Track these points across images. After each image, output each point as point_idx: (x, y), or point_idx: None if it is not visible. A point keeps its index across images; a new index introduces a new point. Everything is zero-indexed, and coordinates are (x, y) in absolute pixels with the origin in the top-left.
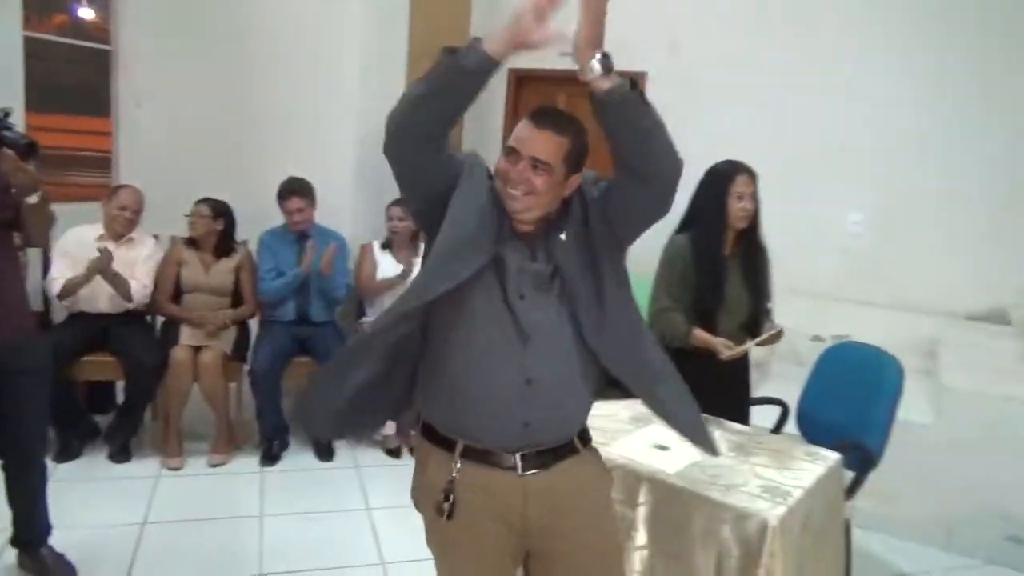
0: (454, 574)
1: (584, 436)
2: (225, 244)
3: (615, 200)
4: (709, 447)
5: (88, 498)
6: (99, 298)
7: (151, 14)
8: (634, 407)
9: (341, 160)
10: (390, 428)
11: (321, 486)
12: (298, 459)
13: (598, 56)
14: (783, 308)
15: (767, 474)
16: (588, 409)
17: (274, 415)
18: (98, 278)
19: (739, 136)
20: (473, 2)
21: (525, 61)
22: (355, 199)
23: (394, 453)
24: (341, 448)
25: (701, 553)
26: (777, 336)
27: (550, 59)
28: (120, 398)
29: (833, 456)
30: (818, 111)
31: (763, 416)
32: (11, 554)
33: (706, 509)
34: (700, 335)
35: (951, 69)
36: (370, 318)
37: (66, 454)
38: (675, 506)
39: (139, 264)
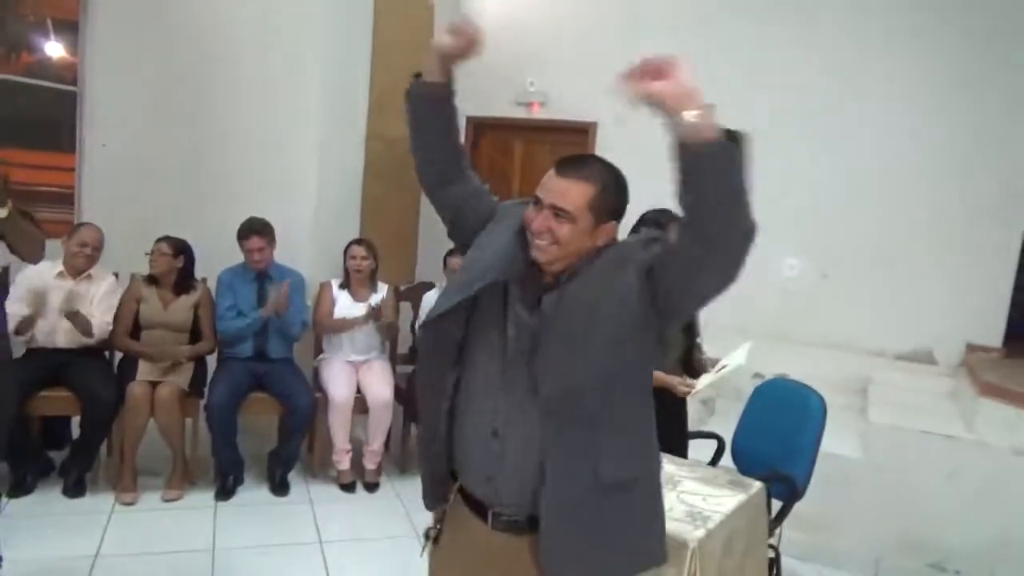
0: None
1: None
2: (184, 281)
3: (673, 266)
4: None
5: (41, 532)
6: (57, 334)
7: (118, 55)
8: None
9: (301, 200)
10: (345, 463)
11: (275, 520)
12: (253, 494)
13: (695, 112)
14: (729, 348)
15: (692, 500)
16: None
17: (230, 450)
18: (56, 313)
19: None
20: None
21: (481, 109)
22: (314, 238)
23: (348, 488)
24: (296, 483)
25: None
26: (721, 368)
27: (506, 108)
28: (75, 433)
29: (756, 484)
30: (759, 166)
31: (704, 450)
32: None
33: None
34: (658, 375)
35: (875, 127)
36: (326, 355)
37: (19, 489)
38: None
39: (98, 300)
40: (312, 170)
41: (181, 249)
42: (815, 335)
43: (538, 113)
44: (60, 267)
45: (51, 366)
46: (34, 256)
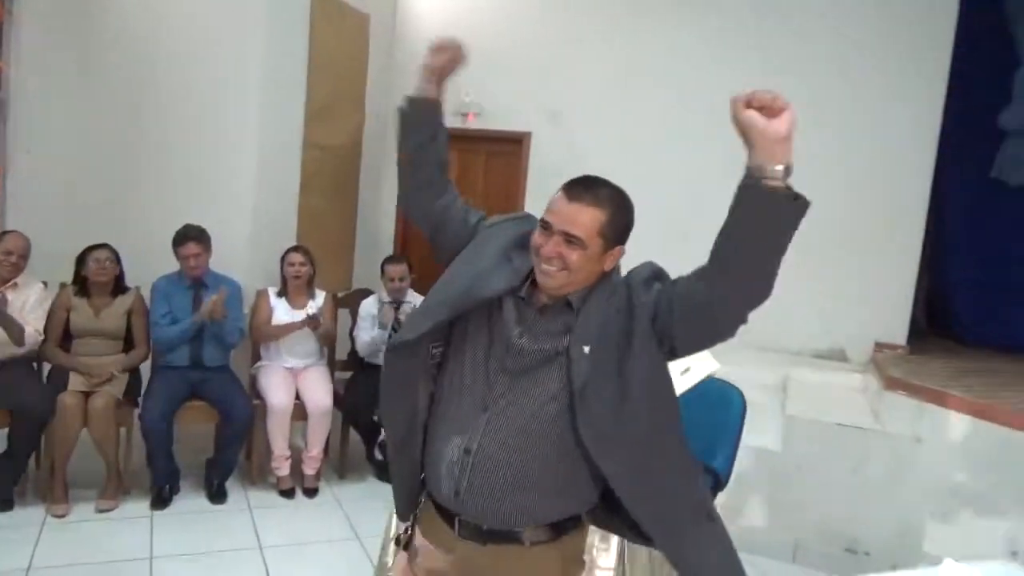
0: None
1: (542, 532)
2: (119, 287)
3: (683, 307)
4: None
5: None
6: None
7: (45, 61)
8: None
9: (237, 206)
10: (284, 469)
11: (213, 527)
12: (190, 502)
13: (783, 167)
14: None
15: None
16: (557, 513)
17: (166, 460)
18: None
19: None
20: (369, 56)
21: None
22: (250, 246)
23: (288, 494)
24: (234, 490)
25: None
26: None
27: (470, 121)
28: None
29: None
30: (691, 165)
31: None
32: None
33: None
34: None
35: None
36: (264, 362)
37: None
38: None
39: (27, 309)
40: (249, 178)
41: (117, 257)
42: (738, 337)
43: (473, 123)
44: None
45: None
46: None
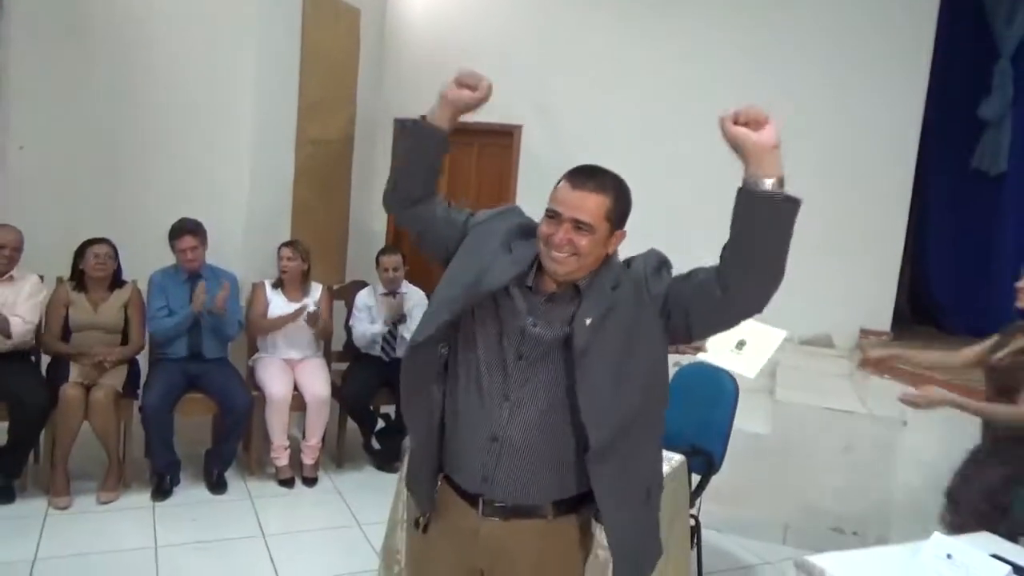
0: None
1: (562, 506)
2: (117, 280)
3: (697, 304)
4: None
5: None
6: None
7: (38, 56)
8: None
9: (232, 200)
10: (283, 459)
11: (215, 517)
12: (190, 493)
13: (777, 182)
14: None
15: None
16: (573, 486)
17: (166, 451)
18: None
19: None
20: (360, 57)
21: (409, 112)
22: (245, 239)
23: (287, 483)
24: (233, 480)
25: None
26: None
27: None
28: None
29: (678, 457)
30: (683, 157)
31: None
32: None
33: None
34: None
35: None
36: (261, 354)
37: None
38: None
39: (20, 301)
40: (243, 173)
41: (116, 250)
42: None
43: (464, 116)
44: None
45: None
46: None
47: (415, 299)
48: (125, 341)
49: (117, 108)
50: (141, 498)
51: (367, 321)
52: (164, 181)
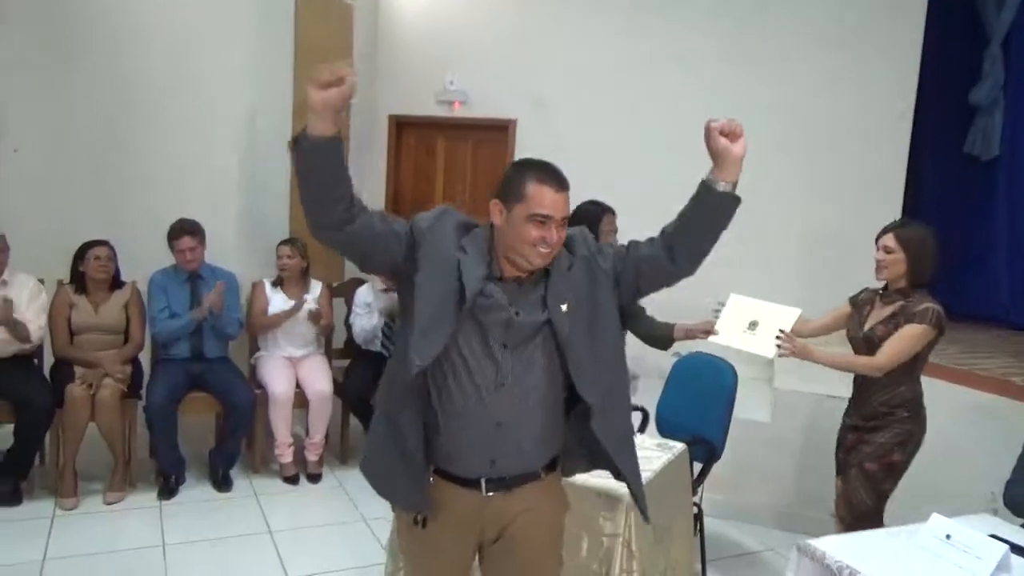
0: (420, 571)
1: (551, 465)
2: (116, 281)
3: (648, 273)
4: (644, 513)
5: None
6: None
7: (30, 58)
8: None
9: (228, 199)
10: (287, 456)
11: (222, 514)
12: (196, 491)
13: (732, 185)
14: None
15: None
16: (558, 446)
17: (171, 450)
18: None
19: (602, 178)
20: (354, 53)
21: (403, 108)
22: (243, 238)
23: (292, 480)
24: (238, 478)
25: (585, 537)
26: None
27: (428, 106)
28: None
29: (679, 446)
30: (676, 151)
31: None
32: None
33: (580, 495)
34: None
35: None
36: (263, 352)
37: None
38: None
39: (25, 305)
40: (238, 171)
41: (114, 252)
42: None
43: (459, 111)
44: None
45: None
46: None
47: None
48: (127, 341)
49: (111, 108)
50: (147, 497)
51: (367, 317)
52: (160, 181)
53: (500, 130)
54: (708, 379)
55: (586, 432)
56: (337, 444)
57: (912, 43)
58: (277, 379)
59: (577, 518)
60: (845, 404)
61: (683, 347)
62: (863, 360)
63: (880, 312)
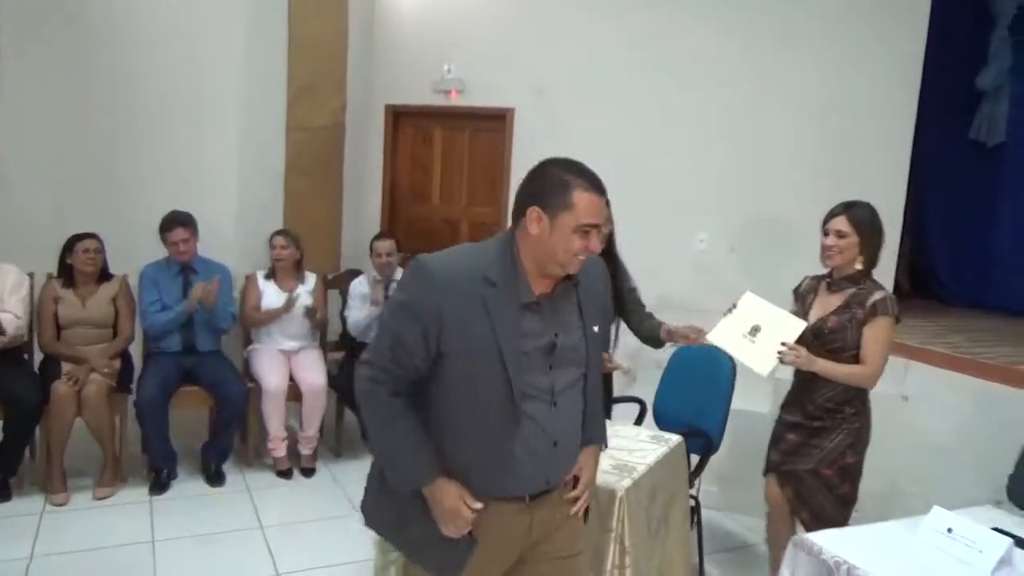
0: None
1: None
2: (103, 274)
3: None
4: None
5: None
6: None
7: (26, 50)
8: None
9: (222, 191)
10: (281, 450)
11: (214, 510)
12: (188, 486)
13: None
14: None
15: (618, 455)
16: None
17: (163, 444)
18: None
19: (600, 168)
20: (349, 42)
21: (400, 97)
22: (237, 230)
23: (285, 474)
24: (231, 473)
25: None
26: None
27: (425, 95)
28: None
29: (675, 438)
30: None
31: (627, 415)
32: None
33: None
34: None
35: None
36: (257, 345)
37: None
38: None
39: (5, 296)
40: (232, 162)
41: (103, 244)
42: (725, 305)
43: (456, 100)
44: None
45: None
46: None
47: None
48: (115, 335)
49: (103, 99)
50: (139, 493)
51: (362, 310)
52: (152, 173)
53: (498, 119)
54: (706, 370)
55: None
56: (332, 438)
57: (918, 27)
58: (270, 372)
59: None
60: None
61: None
62: (859, 371)
63: (827, 301)
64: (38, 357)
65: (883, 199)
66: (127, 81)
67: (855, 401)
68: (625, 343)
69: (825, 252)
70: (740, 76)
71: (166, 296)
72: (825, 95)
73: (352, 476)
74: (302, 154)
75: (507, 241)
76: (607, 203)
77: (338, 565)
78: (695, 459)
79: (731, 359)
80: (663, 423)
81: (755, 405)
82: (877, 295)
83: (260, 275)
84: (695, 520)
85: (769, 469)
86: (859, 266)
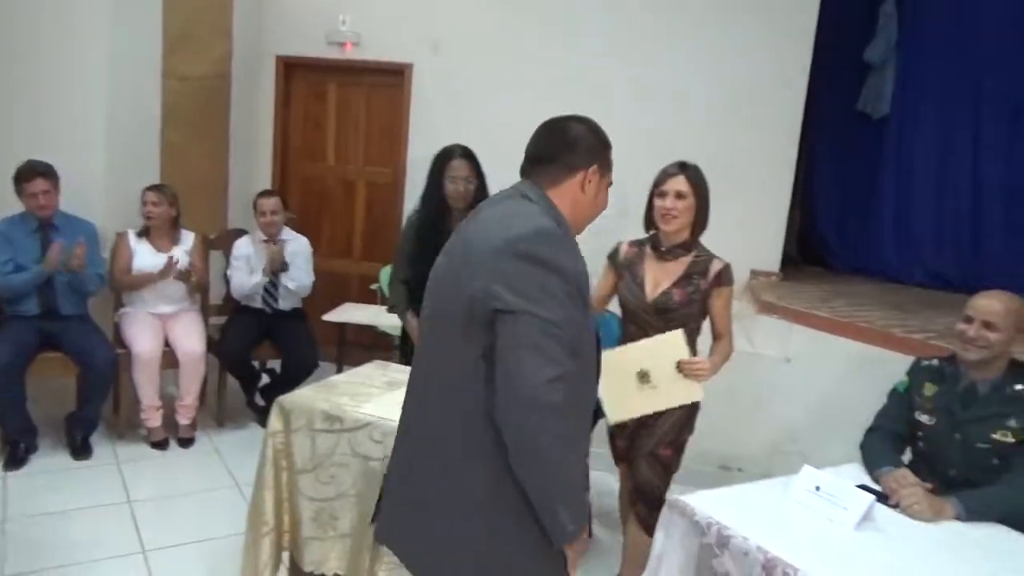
0: None
1: None
2: None
3: None
4: None
5: None
6: None
7: None
8: (389, 373)
9: (89, 143)
10: (155, 420)
11: (77, 484)
12: (50, 460)
13: None
14: None
15: None
16: None
17: (18, 416)
18: None
19: (499, 126)
20: None
21: (292, 48)
22: (106, 184)
23: (160, 445)
24: (101, 445)
25: None
26: None
27: (318, 47)
28: None
29: None
30: (568, 102)
31: None
32: None
33: None
34: (412, 323)
35: (672, 78)
36: (128, 309)
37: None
38: None
39: None
40: (101, 113)
41: None
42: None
43: (352, 53)
44: None
45: None
46: None
47: (297, 246)
48: None
49: None
50: None
51: (246, 271)
52: (10, 123)
53: (396, 75)
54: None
55: None
56: (214, 406)
57: (810, 1)
58: (142, 338)
59: None
60: (737, 356)
61: None
62: (726, 348)
63: (661, 271)
64: None
65: (774, 169)
66: None
67: None
68: None
69: (665, 215)
70: (633, 42)
71: (21, 255)
72: (717, 65)
73: (235, 446)
74: (180, 105)
75: (544, 202)
76: None
77: (211, 540)
78: None
79: (617, 317)
80: None
81: None
82: (717, 263)
83: (132, 234)
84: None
85: (617, 460)
86: (685, 234)
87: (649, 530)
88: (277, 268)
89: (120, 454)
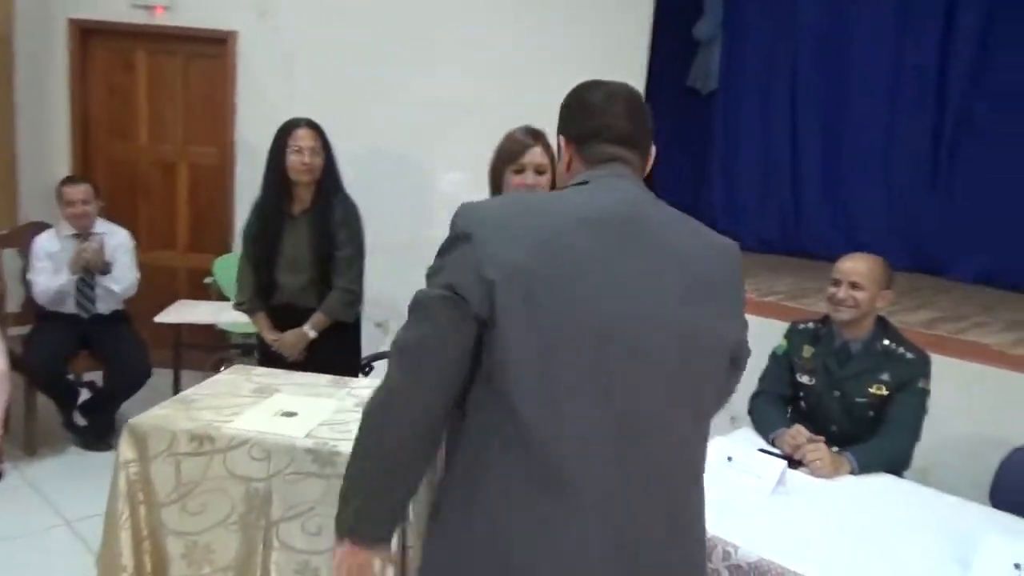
0: None
1: None
2: None
3: None
4: None
5: None
6: None
7: None
8: (254, 378)
9: None
10: None
11: None
12: None
13: None
14: (397, 267)
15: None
16: None
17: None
18: None
19: (335, 100)
20: None
21: (89, 11)
22: None
23: None
24: None
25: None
26: None
27: (122, 10)
28: None
29: None
30: (410, 74)
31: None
32: None
33: (341, 466)
34: (264, 323)
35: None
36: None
37: None
38: (310, 468)
39: None
40: None
41: None
42: None
43: (163, 18)
44: None
45: None
46: None
47: (117, 240)
48: None
49: None
50: None
51: (51, 272)
52: None
53: (218, 43)
54: None
55: None
56: (20, 433)
57: None
58: None
59: None
60: None
61: None
62: None
63: None
64: None
65: None
66: None
67: None
68: (376, 289)
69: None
70: (486, 18)
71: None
72: (557, 44)
73: (54, 475)
74: None
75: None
76: None
77: None
78: None
79: None
80: None
81: None
82: None
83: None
84: None
85: None
86: None
87: None
88: (98, 269)
89: None
